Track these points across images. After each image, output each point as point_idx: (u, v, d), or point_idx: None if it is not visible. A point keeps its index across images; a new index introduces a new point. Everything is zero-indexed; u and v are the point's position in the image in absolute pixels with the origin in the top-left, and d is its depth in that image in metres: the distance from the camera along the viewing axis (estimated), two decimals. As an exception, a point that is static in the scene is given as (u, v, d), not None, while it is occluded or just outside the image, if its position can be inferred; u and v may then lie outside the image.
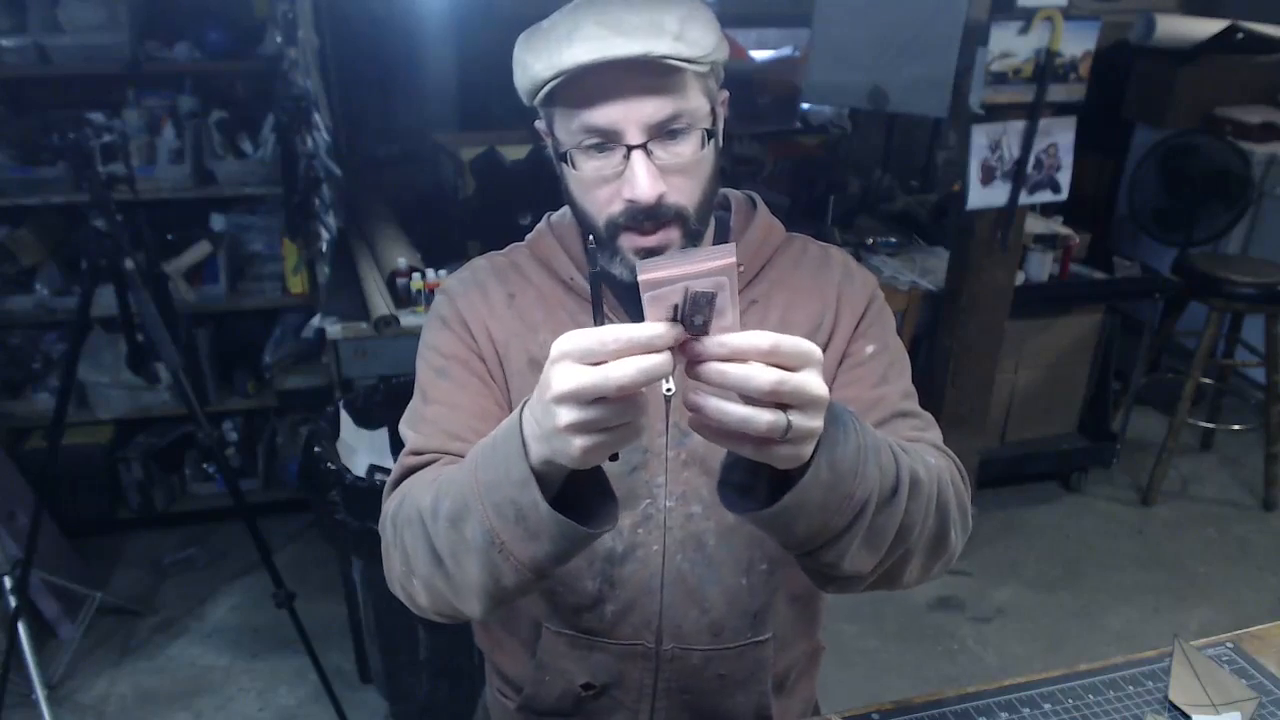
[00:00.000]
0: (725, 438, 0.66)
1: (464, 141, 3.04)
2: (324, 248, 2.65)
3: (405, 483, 0.91)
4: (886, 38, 2.60)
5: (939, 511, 0.83)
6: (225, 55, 2.76)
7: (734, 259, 0.64)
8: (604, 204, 0.87)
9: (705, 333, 0.64)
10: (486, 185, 2.83)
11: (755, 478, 0.75)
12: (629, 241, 0.88)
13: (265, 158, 2.76)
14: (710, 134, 0.87)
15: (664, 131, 0.84)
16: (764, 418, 0.63)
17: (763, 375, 0.62)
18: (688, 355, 0.64)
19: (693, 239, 0.89)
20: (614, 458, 0.69)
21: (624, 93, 0.82)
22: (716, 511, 0.96)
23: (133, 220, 2.25)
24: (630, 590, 0.98)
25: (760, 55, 4.03)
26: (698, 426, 0.67)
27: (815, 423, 0.66)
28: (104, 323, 2.77)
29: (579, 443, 0.65)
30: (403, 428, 0.99)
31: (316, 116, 2.50)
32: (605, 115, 0.83)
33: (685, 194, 0.87)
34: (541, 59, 0.83)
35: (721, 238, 1.01)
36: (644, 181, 0.83)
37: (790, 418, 0.64)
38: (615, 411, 0.64)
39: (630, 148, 0.84)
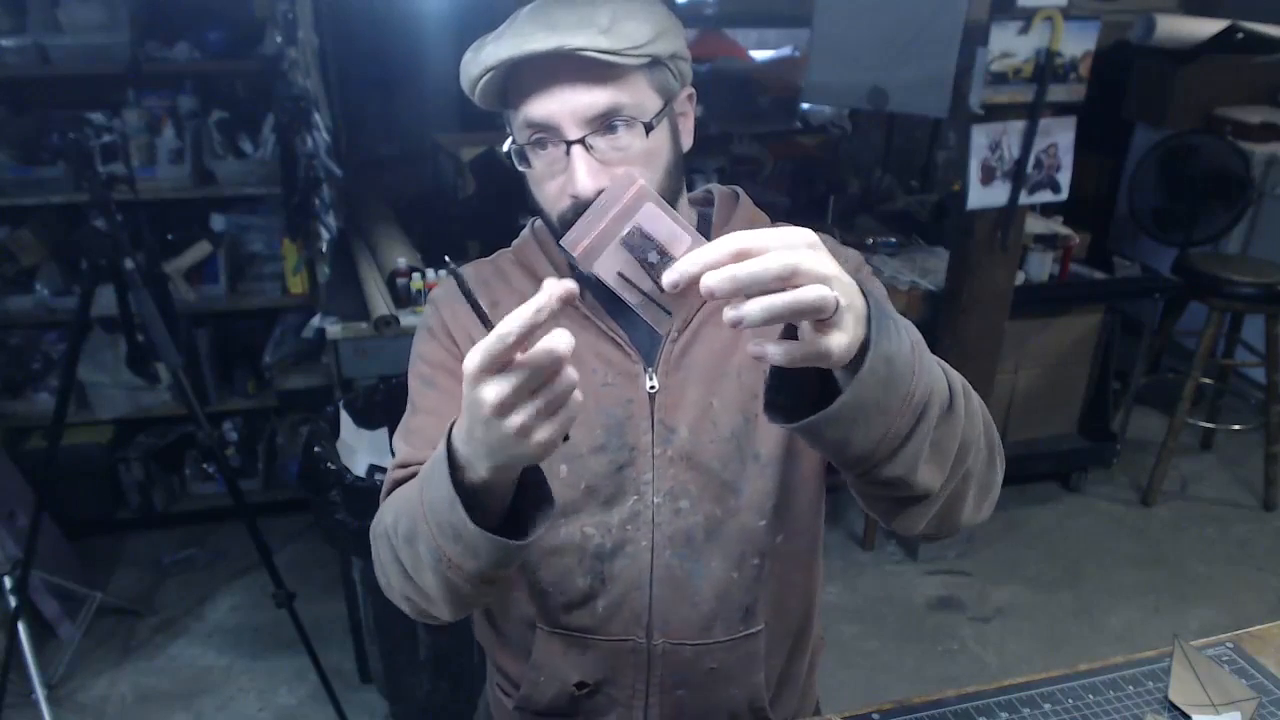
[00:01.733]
0: (781, 349, 0.63)
1: (464, 141, 3.04)
2: (324, 248, 2.66)
3: (389, 498, 0.93)
4: (886, 38, 2.59)
5: (987, 432, 0.81)
6: (225, 55, 2.76)
7: (640, 181, 0.63)
8: (554, 200, 0.89)
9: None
10: (486, 185, 2.83)
11: (799, 399, 0.72)
12: None
13: (265, 158, 2.76)
14: (650, 126, 0.87)
15: (604, 125, 0.85)
16: (810, 293, 0.59)
17: (774, 260, 0.59)
18: (670, 291, 0.61)
19: None
20: (566, 437, 0.68)
21: (557, 87, 0.84)
22: (705, 507, 0.97)
23: (133, 220, 2.24)
24: (620, 586, 0.98)
25: (760, 55, 4.04)
26: (757, 353, 0.63)
27: (855, 300, 0.63)
28: (104, 323, 2.77)
29: (516, 420, 0.64)
30: (395, 439, 1.01)
31: (316, 116, 2.51)
32: (541, 109, 0.85)
33: None
34: (477, 61, 0.86)
35: (703, 232, 1.01)
36: (582, 176, 0.85)
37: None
38: (535, 375, 0.63)
39: (569, 143, 0.85)
